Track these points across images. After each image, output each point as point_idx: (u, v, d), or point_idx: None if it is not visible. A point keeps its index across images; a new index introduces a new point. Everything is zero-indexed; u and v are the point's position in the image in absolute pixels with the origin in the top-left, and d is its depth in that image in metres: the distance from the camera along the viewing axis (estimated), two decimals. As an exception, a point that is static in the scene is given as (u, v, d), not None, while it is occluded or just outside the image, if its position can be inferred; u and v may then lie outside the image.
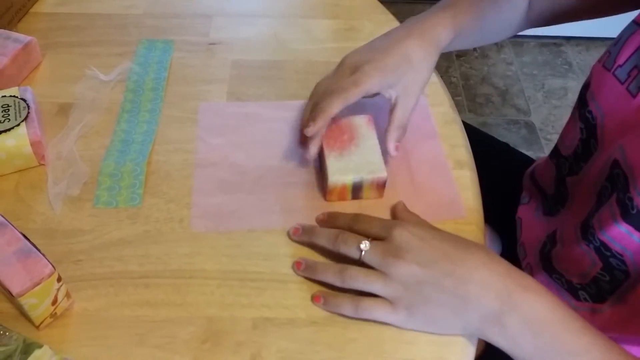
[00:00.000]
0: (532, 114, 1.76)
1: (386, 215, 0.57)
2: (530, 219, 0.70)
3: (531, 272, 0.66)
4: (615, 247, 0.52)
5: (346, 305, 0.49)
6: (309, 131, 0.54)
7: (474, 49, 1.95)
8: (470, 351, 0.48)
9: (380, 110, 0.63)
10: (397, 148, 0.57)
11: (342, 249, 0.50)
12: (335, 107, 0.54)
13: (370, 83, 0.55)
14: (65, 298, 0.48)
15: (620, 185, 0.51)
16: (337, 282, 0.49)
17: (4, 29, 0.70)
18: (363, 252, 0.48)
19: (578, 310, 0.61)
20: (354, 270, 0.48)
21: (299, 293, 0.51)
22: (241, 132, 0.64)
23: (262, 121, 0.66)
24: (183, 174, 0.60)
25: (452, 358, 0.48)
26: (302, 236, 0.54)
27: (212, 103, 0.67)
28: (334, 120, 0.59)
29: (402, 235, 0.48)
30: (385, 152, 0.58)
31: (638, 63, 0.53)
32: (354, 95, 0.54)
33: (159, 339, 0.48)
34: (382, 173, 0.56)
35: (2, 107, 0.59)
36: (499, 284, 0.45)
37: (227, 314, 0.50)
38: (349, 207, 0.57)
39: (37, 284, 0.45)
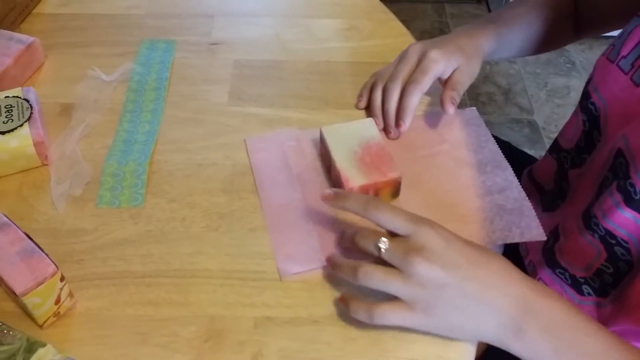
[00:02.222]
0: (535, 113, 1.76)
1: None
2: None
3: (534, 269, 0.66)
4: (621, 234, 0.52)
5: (361, 311, 0.47)
6: (403, 130, 0.62)
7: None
8: (471, 350, 0.49)
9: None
10: (453, 105, 0.62)
11: (361, 243, 0.48)
12: (415, 100, 0.61)
13: (437, 68, 0.62)
14: (68, 297, 0.49)
15: (622, 173, 0.52)
16: (351, 278, 0.47)
17: (7, 29, 0.71)
18: (383, 250, 0.46)
19: (582, 305, 0.61)
20: (370, 267, 0.46)
21: (300, 292, 0.52)
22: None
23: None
24: (185, 174, 0.60)
25: (452, 357, 0.48)
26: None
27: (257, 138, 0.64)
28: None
29: (428, 234, 0.46)
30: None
31: None
32: (427, 82, 0.62)
33: (161, 338, 0.48)
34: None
35: (5, 107, 0.59)
36: (517, 290, 0.45)
37: (228, 313, 0.50)
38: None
39: (41, 283, 0.45)
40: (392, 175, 0.56)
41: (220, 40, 0.76)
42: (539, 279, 0.65)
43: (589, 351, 0.44)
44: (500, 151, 0.63)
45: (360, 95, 0.68)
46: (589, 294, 0.59)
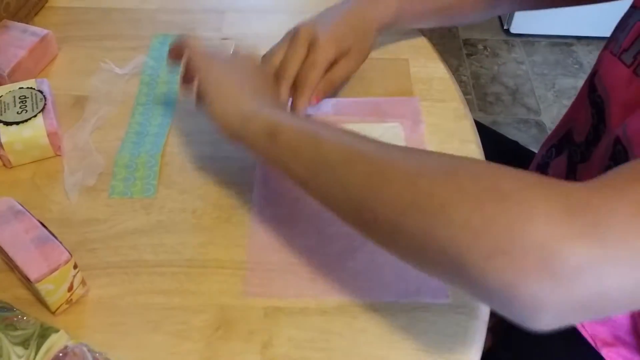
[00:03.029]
0: (542, 114, 1.76)
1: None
2: None
3: None
4: None
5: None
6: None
7: (485, 48, 1.94)
8: (479, 343, 0.49)
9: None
10: (317, 99, 0.61)
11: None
12: (305, 101, 0.59)
13: (327, 57, 0.61)
14: (81, 285, 0.49)
15: (622, 160, 0.53)
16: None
17: (22, 22, 0.71)
18: None
19: None
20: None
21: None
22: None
23: None
24: (196, 166, 0.61)
25: (461, 349, 0.48)
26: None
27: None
28: None
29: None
30: None
31: None
32: (316, 78, 0.60)
33: (173, 326, 0.49)
34: None
35: (19, 98, 0.60)
36: (272, 102, 0.54)
37: (239, 303, 0.51)
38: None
39: (54, 270, 0.46)
40: None
41: (231, 35, 0.77)
42: None
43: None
44: None
45: None
46: None
